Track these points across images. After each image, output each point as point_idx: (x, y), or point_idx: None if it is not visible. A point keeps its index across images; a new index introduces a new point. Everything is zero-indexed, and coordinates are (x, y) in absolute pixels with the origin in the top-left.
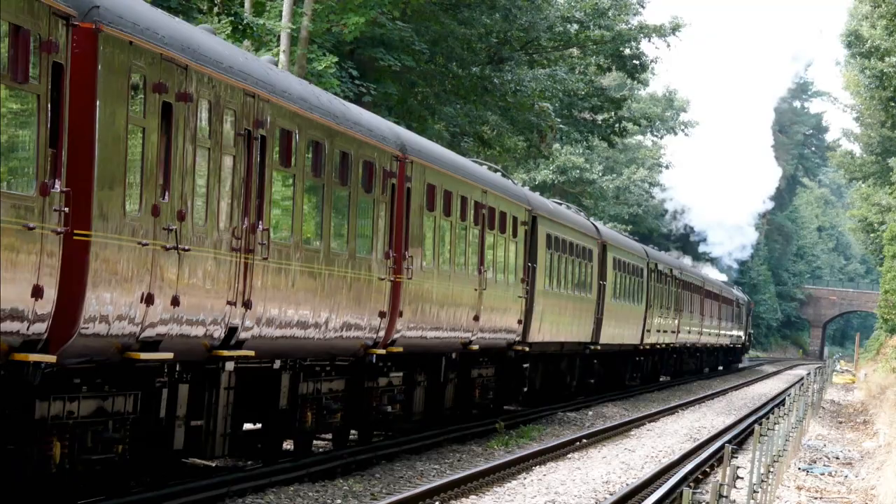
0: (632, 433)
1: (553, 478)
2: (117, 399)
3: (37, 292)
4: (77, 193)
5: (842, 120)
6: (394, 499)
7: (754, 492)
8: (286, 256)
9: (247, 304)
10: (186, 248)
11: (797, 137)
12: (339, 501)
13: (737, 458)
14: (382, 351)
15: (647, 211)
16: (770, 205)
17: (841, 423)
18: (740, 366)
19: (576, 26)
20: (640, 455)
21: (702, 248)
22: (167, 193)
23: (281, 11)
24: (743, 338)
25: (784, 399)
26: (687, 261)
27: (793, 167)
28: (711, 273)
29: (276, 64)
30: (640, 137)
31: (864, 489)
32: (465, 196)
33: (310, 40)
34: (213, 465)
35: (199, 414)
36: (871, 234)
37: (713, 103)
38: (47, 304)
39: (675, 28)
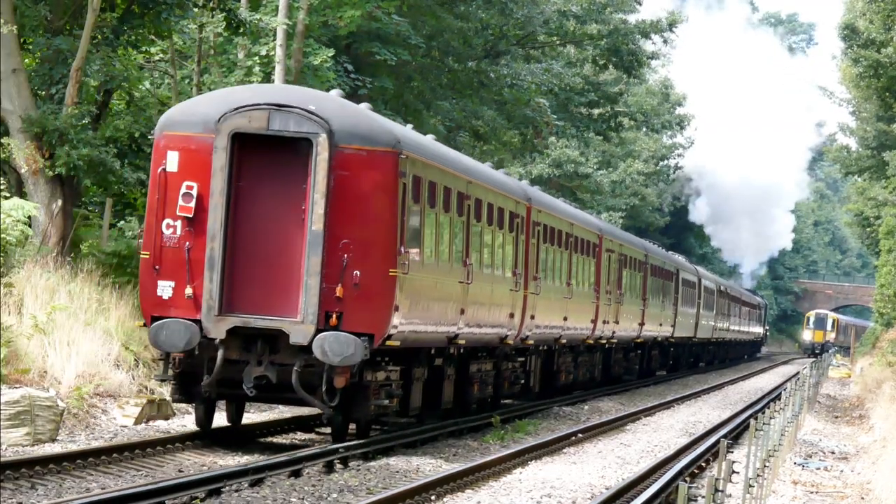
0: (627, 428)
1: (549, 472)
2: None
3: None
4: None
5: (838, 114)
6: (390, 493)
7: (750, 486)
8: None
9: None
10: None
11: None
12: (334, 495)
13: (732, 452)
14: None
15: (643, 203)
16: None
17: (837, 417)
18: (758, 355)
19: (573, 22)
20: (635, 450)
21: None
22: None
23: (277, 5)
24: (761, 333)
25: (780, 393)
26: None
27: None
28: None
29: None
30: (637, 133)
31: (859, 483)
32: (663, 268)
33: (306, 34)
34: (209, 458)
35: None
36: (867, 229)
37: (724, 103)
38: None
39: (672, 24)
